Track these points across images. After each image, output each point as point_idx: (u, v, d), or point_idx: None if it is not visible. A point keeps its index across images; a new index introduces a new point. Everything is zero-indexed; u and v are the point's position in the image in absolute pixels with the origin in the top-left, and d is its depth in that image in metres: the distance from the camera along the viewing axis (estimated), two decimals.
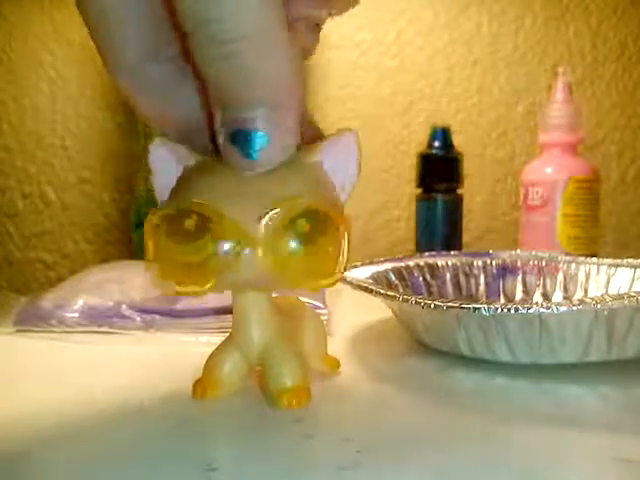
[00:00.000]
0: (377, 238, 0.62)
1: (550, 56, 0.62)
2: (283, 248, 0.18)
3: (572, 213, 0.45)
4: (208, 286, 0.18)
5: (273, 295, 0.21)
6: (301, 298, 0.32)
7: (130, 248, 0.53)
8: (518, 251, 0.37)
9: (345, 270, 0.19)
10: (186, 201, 0.18)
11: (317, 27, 0.20)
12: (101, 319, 0.32)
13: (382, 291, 0.26)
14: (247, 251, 0.17)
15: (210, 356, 0.21)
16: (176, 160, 0.19)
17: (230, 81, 0.16)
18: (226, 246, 0.17)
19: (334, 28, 0.60)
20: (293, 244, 0.18)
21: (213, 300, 0.31)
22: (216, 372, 0.21)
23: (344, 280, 0.29)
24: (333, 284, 0.19)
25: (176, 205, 0.18)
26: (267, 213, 0.17)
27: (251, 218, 0.17)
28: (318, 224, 0.18)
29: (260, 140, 0.16)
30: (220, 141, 0.17)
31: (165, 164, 0.19)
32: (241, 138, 0.16)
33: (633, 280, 0.31)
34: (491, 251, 0.37)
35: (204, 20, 0.15)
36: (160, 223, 0.18)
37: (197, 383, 0.21)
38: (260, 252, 0.17)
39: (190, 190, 0.18)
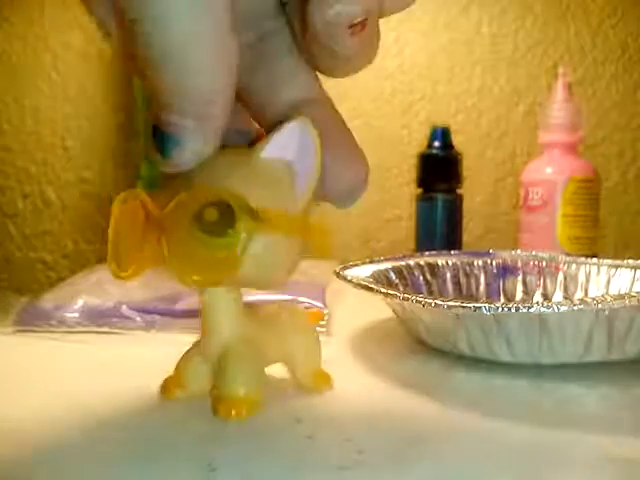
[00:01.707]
0: (377, 238, 0.62)
1: (550, 56, 0.62)
2: (188, 236, 0.17)
3: (572, 213, 0.45)
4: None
5: (272, 302, 0.21)
6: (300, 298, 0.32)
7: None
8: (518, 251, 0.37)
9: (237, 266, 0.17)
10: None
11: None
12: (101, 319, 0.32)
13: (383, 290, 0.26)
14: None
15: (182, 356, 0.21)
16: None
17: (155, 82, 0.16)
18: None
19: None
20: (203, 235, 0.17)
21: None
22: (181, 373, 0.21)
23: (345, 279, 0.29)
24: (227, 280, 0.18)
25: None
26: (177, 205, 0.17)
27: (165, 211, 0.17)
28: (225, 215, 0.17)
29: (171, 142, 0.17)
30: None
31: None
32: (157, 135, 0.17)
33: (633, 281, 0.31)
34: (491, 251, 0.37)
35: (133, 19, 0.15)
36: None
37: (165, 382, 0.21)
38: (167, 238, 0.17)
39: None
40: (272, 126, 0.19)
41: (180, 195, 0.17)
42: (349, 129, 0.20)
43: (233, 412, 0.19)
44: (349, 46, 0.17)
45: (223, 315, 0.20)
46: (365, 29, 0.16)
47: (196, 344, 0.21)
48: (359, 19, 0.16)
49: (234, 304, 0.20)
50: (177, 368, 0.21)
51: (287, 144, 0.19)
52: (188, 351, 0.21)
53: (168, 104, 0.16)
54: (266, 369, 0.21)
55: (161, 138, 0.17)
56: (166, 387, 0.21)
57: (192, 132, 0.17)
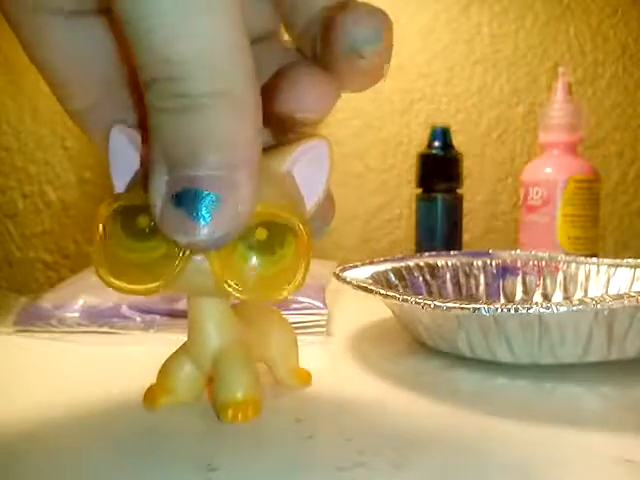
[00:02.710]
0: (377, 238, 0.62)
1: (550, 56, 0.62)
2: (236, 256, 0.17)
3: (572, 213, 0.45)
4: (154, 286, 0.17)
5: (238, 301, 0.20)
6: (300, 298, 0.32)
7: None
8: (518, 251, 0.37)
9: (301, 283, 0.17)
10: (140, 197, 0.16)
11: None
12: (101, 319, 0.32)
13: (382, 291, 0.26)
14: (199, 257, 0.16)
15: (164, 362, 0.21)
16: (135, 150, 0.18)
17: (184, 137, 0.14)
18: (176, 249, 0.16)
19: None
20: (246, 253, 0.17)
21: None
22: (168, 380, 0.20)
23: (344, 280, 0.29)
24: (285, 297, 0.18)
25: (129, 199, 0.17)
26: None
27: None
28: (276, 234, 0.17)
29: (210, 201, 0.14)
30: (158, 203, 0.15)
31: (125, 153, 0.18)
32: (189, 198, 0.14)
33: (633, 280, 0.31)
34: (491, 251, 0.37)
35: (165, 62, 0.13)
36: (114, 215, 0.17)
37: (149, 390, 0.20)
38: (210, 258, 0.16)
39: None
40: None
41: None
42: None
43: (240, 415, 0.19)
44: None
45: (215, 320, 0.19)
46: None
47: (181, 351, 0.20)
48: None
49: (225, 307, 0.20)
50: (163, 376, 0.20)
51: (304, 160, 0.18)
52: (173, 359, 0.20)
53: (201, 158, 0.14)
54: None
55: (193, 199, 0.14)
56: (151, 396, 0.20)
57: (232, 186, 0.14)
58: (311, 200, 0.19)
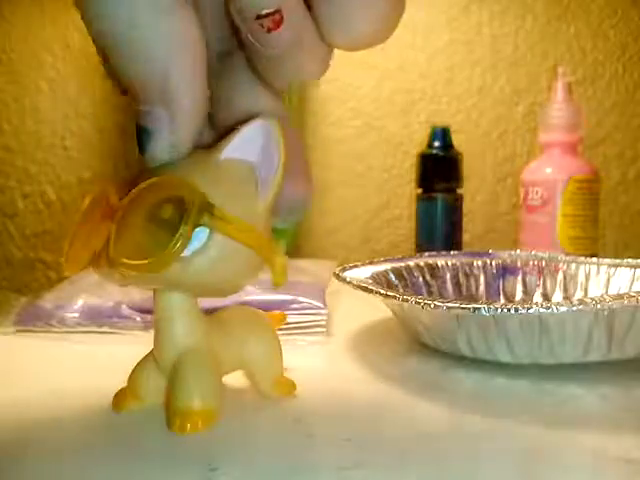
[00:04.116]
0: (377, 238, 0.62)
1: (550, 56, 0.62)
2: (134, 226, 0.17)
3: (572, 213, 0.45)
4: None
5: (226, 305, 0.20)
6: (300, 298, 0.32)
7: None
8: (518, 251, 0.37)
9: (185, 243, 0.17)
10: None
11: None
12: (101, 319, 0.32)
13: (382, 291, 0.26)
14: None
15: (134, 367, 0.20)
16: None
17: (132, 76, 0.16)
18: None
19: None
20: (153, 226, 0.17)
21: (208, 301, 0.31)
22: (136, 384, 0.20)
23: (344, 280, 0.29)
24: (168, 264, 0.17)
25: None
26: (131, 198, 0.17)
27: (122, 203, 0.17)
28: (179, 211, 0.17)
29: (145, 134, 0.17)
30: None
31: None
32: (137, 130, 0.17)
33: (633, 280, 0.31)
34: (491, 251, 0.37)
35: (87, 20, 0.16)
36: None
37: (117, 394, 0.20)
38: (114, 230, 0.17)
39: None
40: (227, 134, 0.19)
41: (139, 186, 0.17)
42: (303, 146, 0.20)
43: (188, 426, 0.18)
44: (268, 43, 0.16)
45: (177, 323, 0.19)
46: (280, 27, 0.16)
47: (149, 354, 0.20)
48: (267, 10, 0.16)
49: (189, 312, 0.19)
50: (131, 379, 0.20)
51: (250, 145, 0.18)
52: (142, 361, 0.20)
53: (136, 95, 0.17)
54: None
55: (138, 132, 0.17)
56: (119, 400, 0.20)
57: (161, 120, 0.17)
58: (269, 180, 0.18)
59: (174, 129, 0.17)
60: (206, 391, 0.19)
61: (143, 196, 0.17)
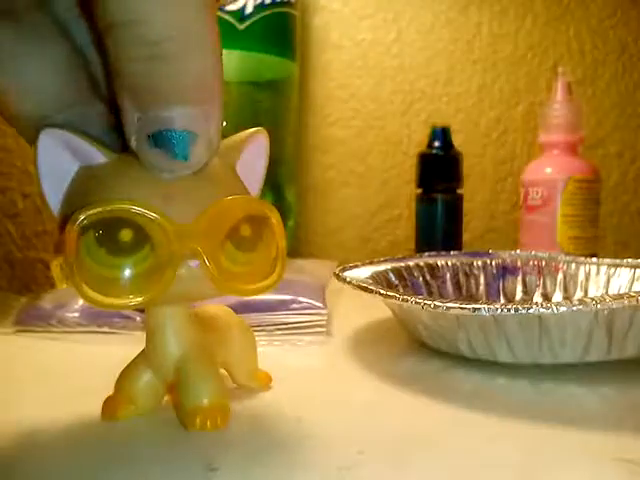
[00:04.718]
0: (377, 238, 0.62)
1: (550, 56, 0.62)
2: (224, 257, 0.17)
3: (572, 213, 0.45)
4: (148, 297, 0.16)
5: (197, 304, 0.20)
6: (300, 298, 0.32)
7: None
8: (518, 251, 0.37)
9: (282, 270, 0.18)
10: (121, 206, 0.16)
11: None
12: (101, 319, 0.32)
13: (382, 291, 0.26)
14: (193, 262, 0.16)
15: (122, 373, 0.20)
16: (72, 155, 0.16)
17: (153, 82, 0.15)
18: (171, 257, 0.16)
19: (334, 28, 0.60)
20: (234, 253, 0.17)
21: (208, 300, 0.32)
22: (128, 390, 0.19)
23: (344, 280, 0.29)
24: (273, 287, 0.18)
25: (104, 210, 0.16)
26: (211, 219, 0.16)
27: (195, 224, 0.16)
28: (258, 228, 0.17)
29: (186, 139, 0.15)
30: (137, 145, 0.16)
31: (57, 159, 0.16)
32: (165, 139, 0.15)
33: (633, 280, 0.31)
34: (491, 251, 0.37)
35: (127, 21, 0.14)
36: (89, 228, 0.16)
37: (107, 402, 0.20)
38: (206, 262, 0.16)
39: (116, 193, 0.16)
40: None
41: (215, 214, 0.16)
42: None
43: (208, 423, 0.18)
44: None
45: (176, 327, 0.19)
46: None
47: (139, 359, 0.20)
48: None
49: (185, 312, 0.19)
50: (121, 387, 0.20)
51: (251, 152, 0.19)
52: (132, 368, 0.20)
53: (171, 98, 0.15)
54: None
55: (170, 139, 0.15)
56: (110, 408, 0.19)
57: (202, 122, 0.15)
58: (254, 188, 0.19)
59: (212, 127, 0.16)
60: (217, 388, 0.19)
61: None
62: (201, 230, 0.16)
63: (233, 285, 0.17)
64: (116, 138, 0.18)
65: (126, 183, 0.16)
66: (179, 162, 0.16)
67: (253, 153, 0.19)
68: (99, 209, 0.16)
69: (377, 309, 0.31)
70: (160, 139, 0.15)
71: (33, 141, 0.16)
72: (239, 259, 0.17)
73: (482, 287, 0.35)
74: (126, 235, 0.16)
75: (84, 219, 0.16)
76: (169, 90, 0.15)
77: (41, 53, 0.17)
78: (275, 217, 0.18)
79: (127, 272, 0.16)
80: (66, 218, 0.16)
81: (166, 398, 0.20)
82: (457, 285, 0.35)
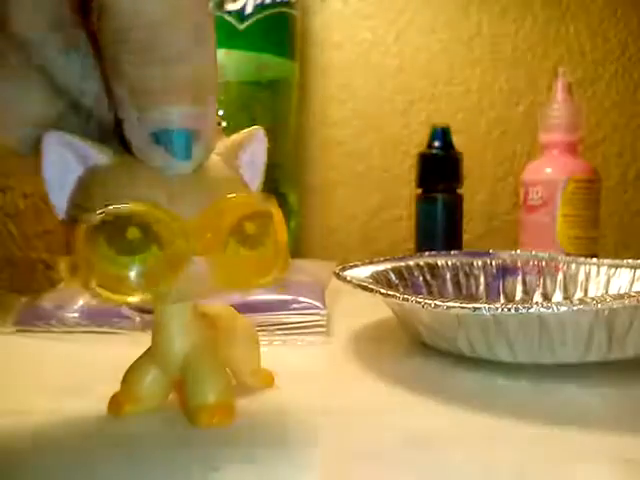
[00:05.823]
0: (377, 238, 0.62)
1: (550, 56, 0.62)
2: (230, 252, 0.17)
3: (572, 213, 0.45)
4: (147, 297, 0.16)
5: (202, 303, 0.20)
6: (300, 298, 0.32)
7: None
8: (518, 251, 0.37)
9: (285, 264, 0.18)
10: (129, 206, 0.16)
11: None
12: (101, 319, 0.32)
13: (382, 290, 0.26)
14: (199, 259, 0.16)
15: (128, 369, 0.20)
16: (75, 157, 0.17)
17: (152, 83, 0.15)
18: (176, 255, 0.16)
19: (334, 28, 0.60)
20: (241, 248, 0.17)
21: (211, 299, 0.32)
22: (135, 387, 0.20)
23: (344, 280, 0.29)
24: (276, 282, 0.18)
25: (114, 210, 0.16)
26: (215, 217, 0.17)
27: (200, 222, 0.16)
28: (260, 224, 0.18)
29: (185, 137, 0.16)
30: (138, 144, 0.16)
31: (61, 161, 0.17)
32: (165, 137, 0.16)
33: (633, 281, 0.31)
34: (491, 251, 0.37)
35: (126, 25, 0.14)
36: (98, 229, 0.16)
37: (113, 398, 0.20)
38: (211, 258, 0.17)
39: (122, 193, 0.16)
40: None
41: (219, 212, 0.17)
42: None
43: (215, 420, 0.18)
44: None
45: (182, 325, 0.19)
46: None
47: (146, 356, 0.20)
48: None
49: (192, 310, 0.19)
50: (127, 383, 0.20)
51: (251, 150, 0.19)
52: (138, 364, 0.20)
53: (170, 98, 0.15)
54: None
55: (170, 138, 0.16)
56: (116, 403, 0.20)
57: (204, 118, 0.16)
58: (254, 186, 0.20)
59: (209, 125, 0.16)
60: (224, 385, 0.19)
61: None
62: (206, 227, 0.17)
63: (238, 280, 0.17)
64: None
65: (131, 183, 0.16)
66: (179, 159, 0.16)
67: (253, 152, 0.19)
68: (109, 209, 0.16)
69: (377, 309, 0.31)
70: (160, 138, 0.16)
71: (23, 149, 0.17)
72: (243, 255, 0.17)
73: (482, 287, 0.35)
74: (134, 234, 0.16)
75: (94, 220, 0.16)
76: (168, 90, 0.15)
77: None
78: (277, 213, 0.18)
79: (135, 270, 0.16)
80: (73, 219, 0.16)
81: (172, 395, 0.20)
82: (457, 285, 0.35)
